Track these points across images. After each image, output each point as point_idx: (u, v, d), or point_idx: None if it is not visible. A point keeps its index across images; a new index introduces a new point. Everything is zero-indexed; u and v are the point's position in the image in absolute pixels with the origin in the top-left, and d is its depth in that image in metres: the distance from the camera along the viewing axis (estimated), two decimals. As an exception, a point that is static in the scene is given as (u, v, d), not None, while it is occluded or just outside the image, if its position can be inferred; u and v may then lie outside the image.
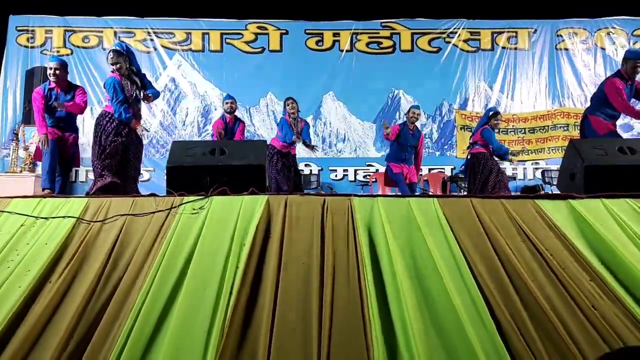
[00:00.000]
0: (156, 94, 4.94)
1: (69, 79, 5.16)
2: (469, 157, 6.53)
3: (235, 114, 6.54)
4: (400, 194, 6.46)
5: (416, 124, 6.63)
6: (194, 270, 2.48)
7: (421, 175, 8.13)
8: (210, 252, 2.59)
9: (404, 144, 6.52)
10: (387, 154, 6.97)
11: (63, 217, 2.91)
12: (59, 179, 5.02)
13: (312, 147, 6.60)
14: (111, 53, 4.67)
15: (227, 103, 6.42)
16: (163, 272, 2.46)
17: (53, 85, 4.93)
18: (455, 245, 2.57)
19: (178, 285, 2.42)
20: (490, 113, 6.36)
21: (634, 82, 4.96)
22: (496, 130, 6.45)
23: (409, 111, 6.59)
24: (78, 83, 8.19)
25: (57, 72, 4.88)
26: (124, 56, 4.65)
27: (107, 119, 4.61)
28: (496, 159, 6.37)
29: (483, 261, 2.48)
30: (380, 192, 8.10)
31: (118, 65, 4.61)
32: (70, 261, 2.60)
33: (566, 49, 8.87)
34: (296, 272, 2.42)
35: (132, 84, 4.69)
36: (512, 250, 2.56)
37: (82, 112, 5.17)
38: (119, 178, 4.53)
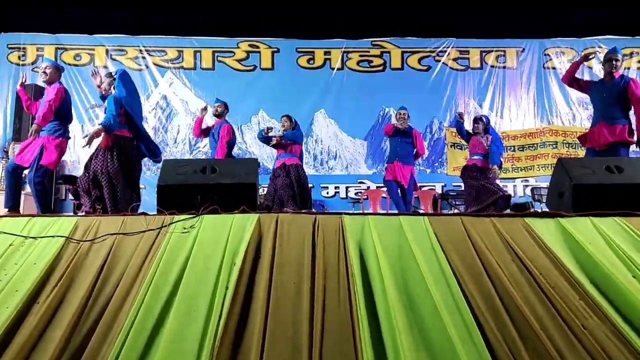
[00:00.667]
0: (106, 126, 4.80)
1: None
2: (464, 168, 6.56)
3: (227, 118, 6.50)
4: (390, 211, 6.48)
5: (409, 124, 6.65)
6: (183, 291, 2.46)
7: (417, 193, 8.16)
8: (201, 271, 2.58)
9: (395, 142, 6.58)
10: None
11: (52, 236, 2.88)
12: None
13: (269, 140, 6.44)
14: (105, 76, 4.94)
15: (213, 106, 6.49)
16: (152, 293, 2.44)
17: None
18: (446, 265, 2.57)
19: (167, 306, 2.40)
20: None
21: (613, 77, 4.98)
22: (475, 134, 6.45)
23: (396, 114, 6.66)
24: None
25: (48, 70, 4.81)
26: (111, 79, 4.85)
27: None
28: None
29: (473, 280, 2.48)
30: (371, 209, 8.12)
31: (102, 85, 4.91)
32: (58, 281, 2.57)
33: (554, 68, 9.01)
34: (287, 292, 2.41)
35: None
36: (502, 269, 2.56)
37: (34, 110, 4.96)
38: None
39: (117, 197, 4.59)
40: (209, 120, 6.76)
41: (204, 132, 6.48)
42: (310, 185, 8.55)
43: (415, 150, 6.65)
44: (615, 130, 4.83)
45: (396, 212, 6.25)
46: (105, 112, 4.71)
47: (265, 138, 6.40)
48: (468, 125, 6.67)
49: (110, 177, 4.58)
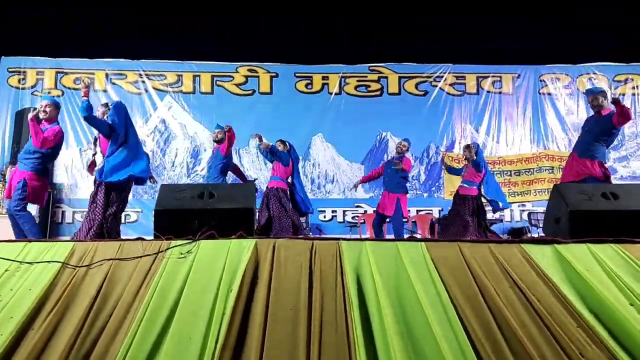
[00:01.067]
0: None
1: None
2: (456, 194, 6.64)
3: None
4: (388, 237, 6.49)
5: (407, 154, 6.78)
6: (180, 317, 2.44)
7: (408, 217, 8.18)
8: (197, 298, 2.56)
9: (385, 172, 6.77)
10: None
11: (48, 261, 2.87)
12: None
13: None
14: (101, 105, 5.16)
15: (213, 133, 6.55)
16: (148, 319, 2.42)
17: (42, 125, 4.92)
18: (444, 292, 2.56)
19: (163, 332, 2.38)
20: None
21: (600, 115, 5.10)
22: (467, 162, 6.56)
23: (400, 143, 6.75)
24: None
25: (48, 108, 4.90)
26: (106, 109, 5.06)
27: None
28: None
29: (470, 307, 2.48)
30: (368, 233, 8.10)
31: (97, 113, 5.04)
32: (54, 307, 2.55)
33: (549, 94, 9.11)
34: (283, 318, 2.40)
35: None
36: (500, 296, 2.56)
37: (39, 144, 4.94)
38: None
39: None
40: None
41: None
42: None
43: (406, 179, 6.79)
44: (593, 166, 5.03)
45: (393, 237, 6.26)
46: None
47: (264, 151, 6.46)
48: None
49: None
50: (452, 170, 7.37)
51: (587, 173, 4.97)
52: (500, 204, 6.42)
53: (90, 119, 4.77)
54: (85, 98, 4.73)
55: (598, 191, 3.59)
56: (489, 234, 6.20)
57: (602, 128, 5.04)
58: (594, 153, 5.04)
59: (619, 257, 2.86)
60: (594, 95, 5.19)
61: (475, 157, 6.33)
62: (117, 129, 4.83)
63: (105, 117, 4.94)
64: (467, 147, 6.56)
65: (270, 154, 6.36)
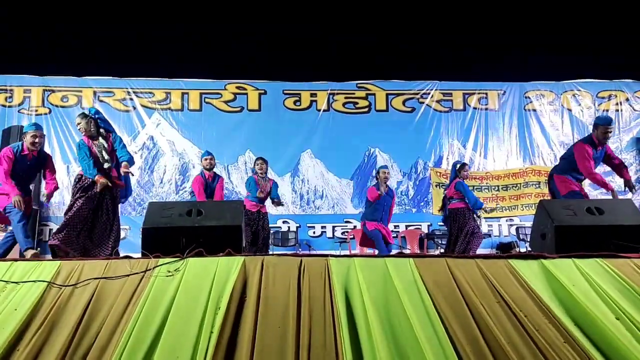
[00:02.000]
0: (130, 160, 4.89)
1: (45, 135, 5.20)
2: (447, 212, 6.65)
3: (215, 170, 6.58)
4: (377, 253, 6.50)
5: (390, 181, 6.80)
6: (168, 335, 2.43)
7: (397, 232, 8.21)
8: (185, 316, 2.55)
9: (380, 203, 6.64)
10: (362, 214, 7.05)
11: (34, 281, 2.84)
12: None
13: (279, 203, 6.71)
14: (77, 117, 4.92)
15: (205, 159, 6.49)
16: (136, 338, 2.41)
17: (27, 152, 4.83)
18: (432, 308, 2.58)
19: (151, 351, 2.36)
20: (457, 166, 6.63)
21: (604, 146, 5.14)
22: (466, 181, 6.64)
23: (378, 171, 6.76)
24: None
25: (37, 139, 4.83)
26: (88, 118, 4.81)
27: (76, 179, 4.80)
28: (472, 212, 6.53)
29: (458, 322, 2.49)
30: (358, 249, 8.10)
31: (79, 127, 4.83)
32: (39, 328, 2.53)
33: (534, 110, 9.24)
34: (272, 337, 2.39)
35: (99, 146, 4.81)
36: (487, 311, 2.57)
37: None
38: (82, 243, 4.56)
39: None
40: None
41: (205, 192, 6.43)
42: (296, 225, 8.63)
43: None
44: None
45: (382, 253, 6.28)
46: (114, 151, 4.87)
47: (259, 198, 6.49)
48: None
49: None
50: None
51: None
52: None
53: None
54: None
55: (583, 206, 3.63)
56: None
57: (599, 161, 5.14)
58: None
59: (604, 272, 2.90)
60: (609, 128, 5.13)
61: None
62: None
63: (91, 127, 4.81)
64: (463, 165, 6.66)
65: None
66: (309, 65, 8.94)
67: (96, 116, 4.87)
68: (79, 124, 4.81)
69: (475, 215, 6.60)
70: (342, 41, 8.74)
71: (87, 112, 4.92)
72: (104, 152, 4.76)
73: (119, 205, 5.18)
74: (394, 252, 6.65)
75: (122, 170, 4.78)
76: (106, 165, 4.77)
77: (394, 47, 8.84)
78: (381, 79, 9.28)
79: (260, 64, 8.96)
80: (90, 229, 4.66)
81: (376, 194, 6.59)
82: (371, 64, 9.12)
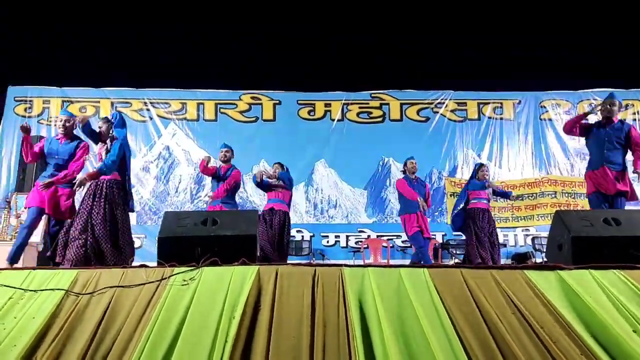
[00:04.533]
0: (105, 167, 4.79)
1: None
2: (463, 213, 6.58)
3: (232, 162, 6.52)
4: (391, 263, 6.47)
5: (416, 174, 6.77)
6: (182, 344, 2.44)
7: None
8: (200, 325, 2.57)
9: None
10: (399, 209, 6.92)
11: (52, 289, 2.88)
12: (54, 230, 4.90)
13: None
14: (101, 121, 5.02)
15: (221, 152, 6.47)
16: (151, 346, 2.43)
17: (60, 136, 4.95)
18: (446, 319, 2.56)
19: (166, 359, 2.38)
20: (477, 167, 6.61)
21: (612, 123, 5.10)
22: (486, 183, 6.58)
23: (406, 163, 6.73)
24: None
25: (67, 124, 4.92)
26: (109, 123, 4.92)
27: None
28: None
29: (474, 334, 2.47)
30: (372, 258, 8.08)
31: (100, 129, 4.94)
32: (57, 335, 2.56)
33: (550, 119, 9.17)
34: (286, 346, 2.40)
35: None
36: (503, 322, 2.55)
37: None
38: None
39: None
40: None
41: (210, 171, 6.40)
42: (310, 234, 8.64)
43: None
44: (624, 177, 4.94)
45: (396, 263, 6.25)
46: (105, 155, 4.81)
47: (260, 183, 6.43)
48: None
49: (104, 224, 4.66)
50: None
51: (625, 189, 4.90)
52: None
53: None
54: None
55: (600, 217, 3.59)
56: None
57: (618, 137, 5.02)
58: (622, 164, 5.00)
59: (621, 283, 2.86)
60: (614, 100, 5.14)
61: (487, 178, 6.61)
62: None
63: (110, 132, 4.87)
64: (482, 165, 6.71)
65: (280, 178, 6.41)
66: (323, 75, 9.01)
67: (114, 121, 4.93)
68: (101, 127, 4.91)
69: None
70: (355, 48, 8.79)
71: (110, 117, 5.01)
72: (103, 153, 4.85)
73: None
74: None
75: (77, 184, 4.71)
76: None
77: (408, 56, 8.87)
78: (395, 89, 9.29)
79: (275, 75, 9.04)
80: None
81: (404, 183, 6.55)
82: (385, 72, 9.15)
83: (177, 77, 8.89)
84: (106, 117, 5.06)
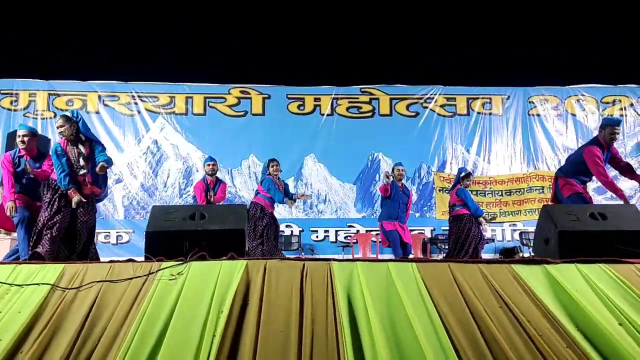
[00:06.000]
0: (108, 161, 4.62)
1: (51, 139, 5.11)
2: (450, 219, 6.60)
3: (217, 175, 6.61)
4: (380, 257, 6.48)
5: (403, 181, 6.77)
6: (170, 339, 2.43)
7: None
8: (188, 319, 2.56)
9: (395, 200, 6.59)
10: (379, 214, 6.95)
11: (37, 284, 2.86)
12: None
13: (295, 201, 6.64)
14: (59, 118, 4.63)
15: (208, 165, 6.52)
16: (139, 341, 2.41)
17: (22, 152, 4.75)
18: (434, 312, 2.57)
19: (154, 354, 2.37)
20: (462, 174, 6.53)
21: (610, 148, 5.11)
22: (470, 190, 6.60)
23: (393, 170, 6.72)
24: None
25: (25, 139, 4.71)
26: (71, 122, 4.55)
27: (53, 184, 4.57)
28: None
29: (461, 328, 2.48)
30: (361, 253, 8.10)
31: (60, 129, 4.55)
32: (43, 330, 2.54)
33: (538, 115, 9.24)
34: (274, 340, 2.40)
35: (77, 151, 4.58)
36: (490, 316, 2.57)
37: (47, 179, 4.74)
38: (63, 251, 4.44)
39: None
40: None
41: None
42: (299, 229, 8.64)
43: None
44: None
45: (385, 257, 6.26)
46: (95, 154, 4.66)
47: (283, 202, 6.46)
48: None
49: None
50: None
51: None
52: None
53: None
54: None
55: (586, 212, 3.63)
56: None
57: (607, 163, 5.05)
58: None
59: (607, 277, 2.89)
60: (617, 128, 5.07)
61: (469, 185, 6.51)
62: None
63: (73, 131, 4.58)
64: (468, 175, 6.57)
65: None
66: (313, 69, 8.99)
67: (79, 120, 4.61)
68: (61, 126, 4.52)
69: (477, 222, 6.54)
70: (343, 43, 8.78)
71: (69, 114, 4.62)
72: (80, 159, 4.55)
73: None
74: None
75: (98, 170, 4.53)
76: (82, 172, 4.53)
77: (396, 51, 8.88)
78: (385, 83, 9.30)
79: (264, 68, 9.00)
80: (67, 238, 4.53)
81: (384, 187, 6.55)
82: (374, 67, 9.15)
83: (163, 67, 8.81)
84: (66, 115, 4.63)
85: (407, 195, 6.77)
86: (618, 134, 5.11)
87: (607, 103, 9.28)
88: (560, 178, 5.19)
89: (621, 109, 9.26)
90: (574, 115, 9.21)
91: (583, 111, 9.24)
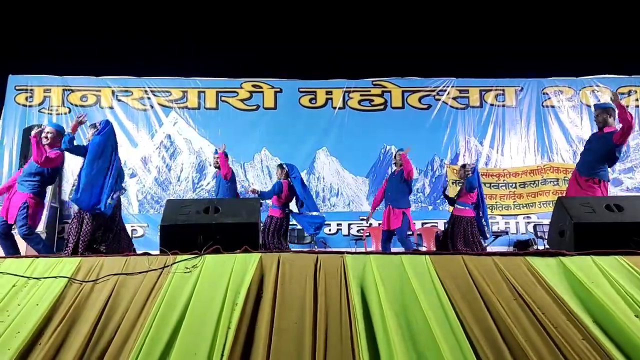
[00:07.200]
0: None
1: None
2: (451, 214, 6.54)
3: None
4: (393, 250, 6.46)
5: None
6: (185, 331, 2.45)
7: (412, 232, 8.15)
8: (202, 312, 2.58)
9: (389, 186, 6.63)
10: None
11: (55, 277, 2.90)
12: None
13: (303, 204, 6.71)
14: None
15: (214, 157, 6.69)
16: (154, 334, 2.44)
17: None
18: (448, 305, 2.57)
19: (169, 347, 2.39)
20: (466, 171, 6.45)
21: (603, 132, 5.05)
22: (484, 178, 6.51)
23: (395, 155, 6.72)
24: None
25: (49, 135, 4.91)
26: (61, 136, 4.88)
27: None
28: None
29: (476, 321, 2.48)
30: (374, 246, 8.10)
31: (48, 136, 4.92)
32: (60, 322, 2.57)
33: (552, 106, 9.12)
34: (288, 333, 2.41)
35: None
36: (505, 308, 2.56)
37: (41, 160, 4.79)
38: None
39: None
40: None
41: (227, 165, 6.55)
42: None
43: (409, 192, 6.69)
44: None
45: (398, 250, 6.23)
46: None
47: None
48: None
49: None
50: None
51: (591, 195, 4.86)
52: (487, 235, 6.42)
53: (70, 150, 4.79)
54: (72, 132, 4.77)
55: (602, 203, 3.59)
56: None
57: (605, 147, 4.93)
58: (598, 172, 4.95)
59: (623, 269, 2.86)
60: (600, 110, 5.12)
61: (470, 174, 6.29)
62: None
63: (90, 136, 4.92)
64: (463, 166, 6.52)
65: (260, 197, 6.46)
66: (324, 63, 8.98)
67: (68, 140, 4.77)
68: (50, 132, 4.93)
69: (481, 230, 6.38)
70: (358, 38, 8.73)
71: (98, 124, 5.01)
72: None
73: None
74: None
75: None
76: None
77: (408, 43, 8.80)
78: (397, 76, 9.25)
79: (275, 62, 9.01)
80: None
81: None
82: (385, 59, 9.09)
83: (178, 64, 8.85)
84: (94, 124, 5.09)
85: (401, 172, 6.53)
86: (600, 115, 5.07)
87: (622, 94, 9.13)
88: (576, 177, 5.12)
89: (637, 100, 9.12)
90: (588, 106, 9.07)
91: (598, 102, 9.11)
